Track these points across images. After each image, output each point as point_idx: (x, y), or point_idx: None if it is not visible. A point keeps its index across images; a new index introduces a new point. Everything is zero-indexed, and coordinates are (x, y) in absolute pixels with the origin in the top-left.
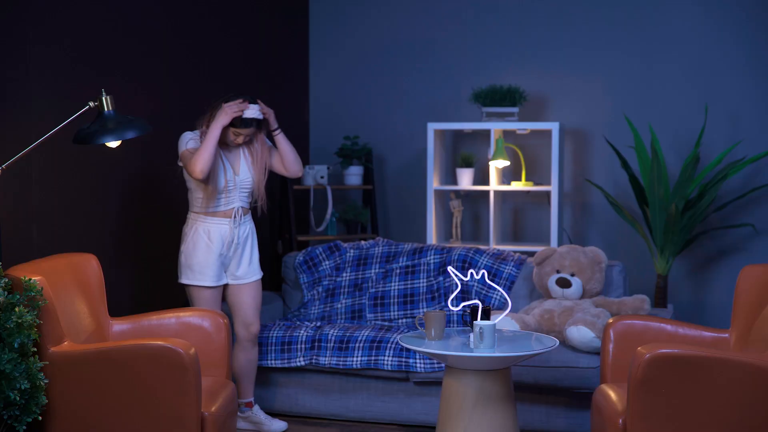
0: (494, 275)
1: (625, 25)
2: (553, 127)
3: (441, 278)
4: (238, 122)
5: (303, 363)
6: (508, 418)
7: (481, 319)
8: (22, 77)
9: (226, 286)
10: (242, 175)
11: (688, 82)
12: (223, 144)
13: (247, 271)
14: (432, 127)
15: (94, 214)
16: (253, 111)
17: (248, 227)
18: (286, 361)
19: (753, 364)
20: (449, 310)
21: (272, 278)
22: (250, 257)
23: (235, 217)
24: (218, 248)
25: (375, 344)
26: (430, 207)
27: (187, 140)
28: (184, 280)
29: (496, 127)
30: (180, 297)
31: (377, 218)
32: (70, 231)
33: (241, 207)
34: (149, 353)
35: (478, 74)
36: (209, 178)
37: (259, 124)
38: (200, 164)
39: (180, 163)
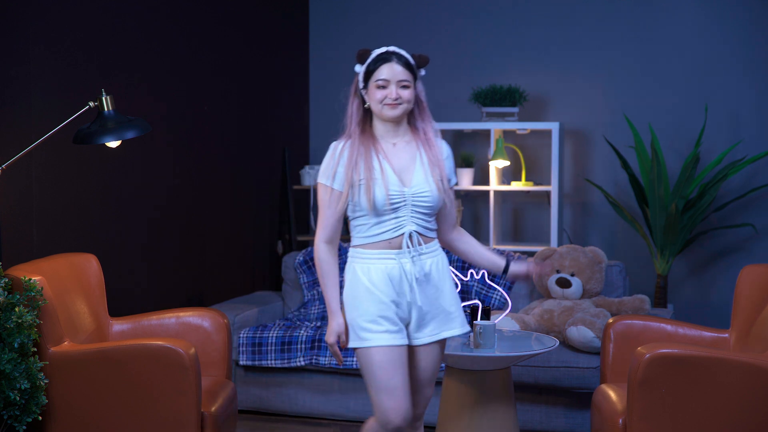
0: (494, 275)
1: (625, 25)
2: (553, 127)
3: None
4: (372, 64)
5: (303, 363)
6: (508, 418)
7: (481, 319)
8: (22, 77)
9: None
10: (416, 186)
11: (688, 82)
12: (373, 136)
13: (436, 325)
14: None
15: (94, 214)
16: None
17: (433, 261)
18: (286, 361)
19: (753, 364)
20: None
21: (272, 278)
22: (447, 304)
23: (407, 247)
24: (387, 293)
25: None
26: None
27: (323, 169)
28: (349, 344)
29: (496, 127)
30: (180, 297)
31: None
32: (70, 231)
33: (417, 233)
34: (149, 353)
35: (478, 74)
36: (354, 196)
37: (407, 63)
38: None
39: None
